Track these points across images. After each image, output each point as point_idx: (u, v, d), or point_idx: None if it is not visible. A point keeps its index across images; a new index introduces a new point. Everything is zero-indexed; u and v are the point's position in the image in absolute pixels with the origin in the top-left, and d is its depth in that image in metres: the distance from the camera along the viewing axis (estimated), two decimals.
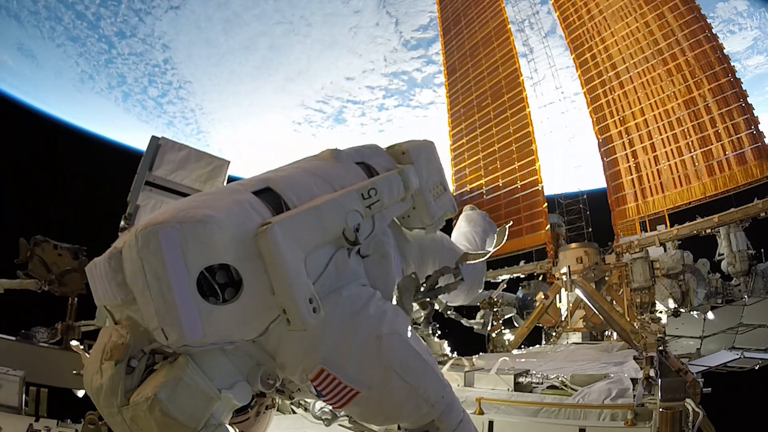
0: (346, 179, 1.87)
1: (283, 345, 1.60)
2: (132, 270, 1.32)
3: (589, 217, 15.70)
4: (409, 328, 1.91)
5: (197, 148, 4.39)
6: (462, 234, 4.04)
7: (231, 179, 4.60)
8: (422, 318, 3.82)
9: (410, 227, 2.56)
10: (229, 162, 4.47)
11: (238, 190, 1.53)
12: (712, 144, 12.56)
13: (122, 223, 3.82)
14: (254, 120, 44.74)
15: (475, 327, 4.19)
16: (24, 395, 3.56)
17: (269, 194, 1.56)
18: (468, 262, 3.29)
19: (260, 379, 1.63)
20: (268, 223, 1.38)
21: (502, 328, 12.27)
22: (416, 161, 2.33)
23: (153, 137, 4.10)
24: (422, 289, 2.81)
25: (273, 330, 1.52)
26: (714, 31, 13.41)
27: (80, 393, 4.44)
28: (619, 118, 14.79)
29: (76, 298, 4.54)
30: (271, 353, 1.65)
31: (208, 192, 1.55)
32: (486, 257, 3.72)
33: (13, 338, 4.14)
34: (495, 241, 3.95)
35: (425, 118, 40.54)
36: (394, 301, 2.31)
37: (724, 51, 13.02)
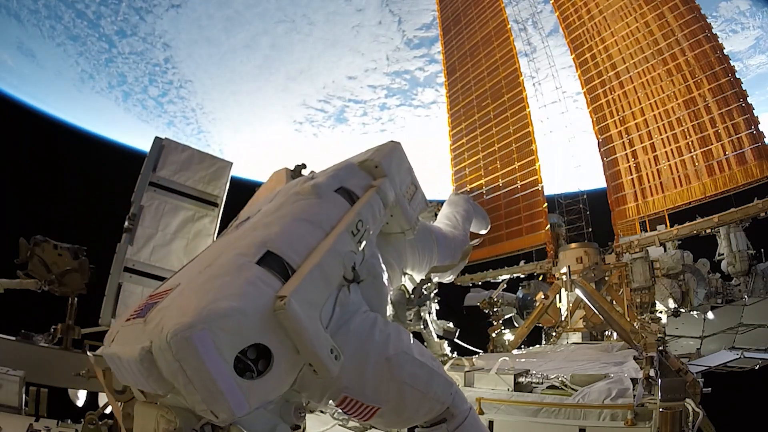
0: (332, 215, 1.97)
1: (307, 382, 1.73)
2: (170, 370, 1.36)
3: (589, 217, 15.68)
4: (411, 339, 2.09)
5: (199, 149, 4.41)
6: (444, 215, 4.16)
7: (234, 180, 4.61)
8: (411, 314, 3.90)
9: (390, 232, 2.59)
10: (231, 164, 4.50)
11: (245, 266, 1.58)
12: (712, 144, 12.54)
13: (126, 223, 3.83)
14: (255, 119, 44.66)
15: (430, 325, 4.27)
16: (24, 395, 3.55)
17: (271, 259, 1.64)
18: (435, 273, 3.38)
19: (293, 414, 1.76)
20: (283, 297, 1.47)
21: (502, 328, 12.27)
22: (389, 172, 2.38)
23: (156, 138, 4.13)
24: (411, 298, 2.89)
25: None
26: (716, 30, 13.40)
27: (80, 400, 4.43)
28: (619, 118, 14.78)
29: (76, 298, 4.53)
30: (297, 389, 1.77)
31: (217, 272, 1.56)
32: (456, 266, 3.79)
33: (13, 338, 4.13)
34: (461, 255, 3.99)
35: (427, 118, 40.37)
36: (389, 312, 2.40)
37: (725, 51, 13.00)
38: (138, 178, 4.00)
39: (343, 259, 1.79)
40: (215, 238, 4.31)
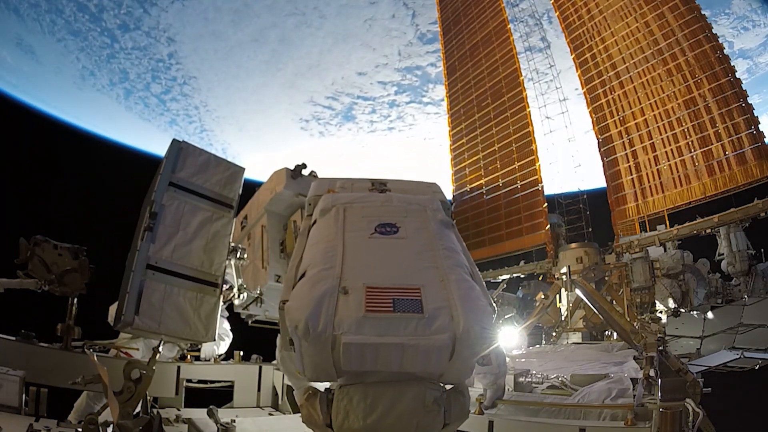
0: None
1: None
2: (466, 353, 1.82)
3: (589, 217, 15.69)
4: None
5: (215, 154, 4.50)
6: None
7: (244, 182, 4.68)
8: None
9: None
10: (244, 169, 4.60)
11: (471, 282, 2.09)
12: (712, 144, 12.56)
13: (147, 222, 3.85)
14: (260, 117, 43.97)
15: None
16: (24, 395, 3.55)
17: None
18: None
19: None
20: (492, 303, 2.04)
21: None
22: None
23: (174, 140, 4.27)
24: None
25: None
26: (728, 27, 13.51)
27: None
28: (619, 118, 14.80)
29: (76, 299, 4.53)
30: None
31: (466, 285, 2.04)
32: None
33: (13, 338, 4.13)
34: None
35: (437, 115, 39.11)
36: None
37: (736, 48, 13.13)
38: (158, 178, 4.09)
39: None
40: (232, 239, 4.40)
